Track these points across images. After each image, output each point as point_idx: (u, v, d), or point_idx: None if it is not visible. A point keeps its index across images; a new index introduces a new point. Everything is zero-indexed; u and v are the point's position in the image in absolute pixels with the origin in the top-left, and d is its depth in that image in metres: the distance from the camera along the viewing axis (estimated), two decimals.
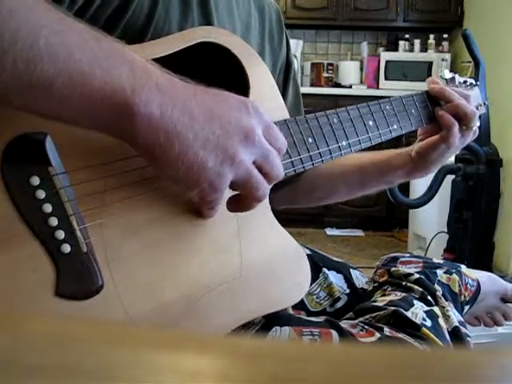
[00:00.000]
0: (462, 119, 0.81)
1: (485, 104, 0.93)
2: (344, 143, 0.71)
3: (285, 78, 0.87)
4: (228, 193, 0.54)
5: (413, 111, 0.81)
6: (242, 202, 0.56)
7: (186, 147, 0.47)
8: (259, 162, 0.53)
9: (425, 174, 0.86)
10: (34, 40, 0.41)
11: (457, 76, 0.92)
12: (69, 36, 0.43)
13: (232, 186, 0.53)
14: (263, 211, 0.63)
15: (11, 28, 0.40)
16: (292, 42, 3.82)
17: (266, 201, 0.63)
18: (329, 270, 0.87)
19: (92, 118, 0.45)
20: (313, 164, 0.67)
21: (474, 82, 0.93)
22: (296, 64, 3.83)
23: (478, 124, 0.89)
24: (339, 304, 0.84)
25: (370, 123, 0.75)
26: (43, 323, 0.19)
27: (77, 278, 0.48)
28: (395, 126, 0.78)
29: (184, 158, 0.48)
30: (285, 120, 0.65)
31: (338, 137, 0.70)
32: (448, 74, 0.91)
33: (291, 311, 0.75)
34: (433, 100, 0.84)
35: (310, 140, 0.66)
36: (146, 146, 0.47)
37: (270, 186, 0.56)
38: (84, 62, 0.43)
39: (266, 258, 0.62)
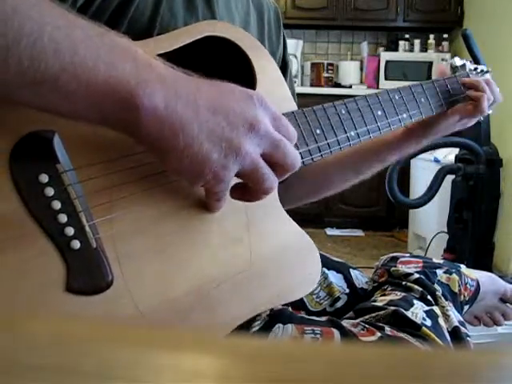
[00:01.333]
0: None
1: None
2: (352, 133, 0.70)
3: None
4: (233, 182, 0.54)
5: (422, 100, 0.81)
6: (248, 192, 0.56)
7: (190, 139, 0.47)
8: (269, 153, 0.52)
9: (416, 147, 0.87)
10: (38, 37, 0.41)
11: (468, 63, 0.92)
12: (72, 32, 0.43)
13: (239, 177, 0.53)
14: (272, 203, 0.63)
15: (15, 25, 0.40)
16: (292, 41, 3.83)
17: (275, 193, 0.63)
18: (329, 269, 0.87)
19: (97, 112, 0.46)
20: (321, 155, 0.66)
21: (485, 68, 0.93)
22: (297, 64, 3.84)
23: (490, 111, 0.90)
24: (339, 304, 0.84)
25: (379, 113, 0.74)
26: (43, 323, 0.19)
27: (87, 274, 0.49)
28: (404, 115, 0.78)
29: (189, 149, 0.48)
30: (292, 111, 0.65)
31: (347, 127, 0.69)
32: (459, 61, 0.91)
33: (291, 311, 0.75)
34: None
35: (318, 131, 0.66)
36: (150, 138, 0.47)
37: (286, 176, 0.55)
38: (88, 57, 0.43)
39: (275, 250, 0.62)
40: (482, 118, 0.90)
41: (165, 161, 0.49)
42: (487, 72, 0.93)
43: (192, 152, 0.48)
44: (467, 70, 0.91)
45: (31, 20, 0.41)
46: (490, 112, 0.92)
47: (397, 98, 0.77)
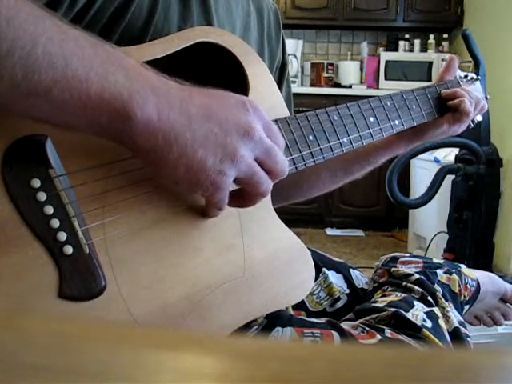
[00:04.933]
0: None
1: (486, 98, 0.94)
2: (345, 140, 0.70)
3: (279, 78, 0.87)
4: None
5: (414, 106, 0.81)
6: (245, 197, 0.56)
7: (184, 147, 0.47)
8: (261, 159, 0.52)
9: (405, 149, 0.89)
10: (31, 49, 0.41)
11: (458, 71, 0.92)
12: (66, 43, 0.43)
13: (236, 183, 0.53)
14: (265, 209, 0.63)
15: (9, 37, 0.40)
16: (292, 41, 3.83)
17: (268, 198, 0.63)
18: (329, 269, 0.87)
19: (90, 123, 0.46)
20: (314, 161, 0.66)
21: (475, 76, 0.94)
22: (297, 64, 3.84)
23: (479, 118, 0.90)
24: (339, 304, 0.84)
25: (371, 119, 0.75)
26: (44, 323, 0.19)
27: (80, 280, 0.48)
28: (396, 122, 0.78)
29: (183, 158, 0.48)
30: (285, 117, 0.65)
31: (339, 133, 0.70)
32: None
33: (292, 311, 0.75)
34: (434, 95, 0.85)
35: (311, 137, 0.66)
36: (144, 149, 0.47)
37: (274, 182, 0.56)
38: (81, 69, 0.43)
39: (269, 256, 0.62)
40: (472, 125, 0.90)
41: (160, 171, 0.49)
42: (477, 79, 0.94)
43: (187, 160, 0.48)
44: (457, 77, 0.91)
45: (25, 32, 0.41)
46: (480, 119, 0.92)
47: (388, 104, 0.78)
